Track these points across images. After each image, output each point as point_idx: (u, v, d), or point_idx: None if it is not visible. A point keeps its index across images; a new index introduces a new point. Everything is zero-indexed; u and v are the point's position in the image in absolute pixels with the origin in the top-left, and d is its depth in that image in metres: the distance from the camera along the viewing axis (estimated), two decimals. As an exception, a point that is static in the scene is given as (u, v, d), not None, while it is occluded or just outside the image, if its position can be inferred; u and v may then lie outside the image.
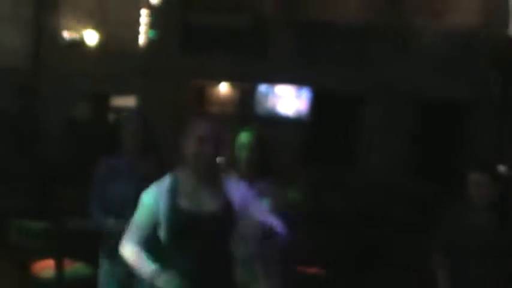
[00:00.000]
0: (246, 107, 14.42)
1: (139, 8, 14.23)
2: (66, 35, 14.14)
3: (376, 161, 13.60)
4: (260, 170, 4.24)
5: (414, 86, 13.59)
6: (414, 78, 13.59)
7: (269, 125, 13.89)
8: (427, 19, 13.99)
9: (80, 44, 14.05)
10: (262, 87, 14.30)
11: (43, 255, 5.86)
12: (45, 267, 5.76)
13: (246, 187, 3.44)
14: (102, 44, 14.01)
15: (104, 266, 4.49)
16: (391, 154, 13.55)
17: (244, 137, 4.26)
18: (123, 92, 14.57)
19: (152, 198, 3.24)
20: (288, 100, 14.26)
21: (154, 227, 3.23)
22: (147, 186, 3.53)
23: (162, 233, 3.21)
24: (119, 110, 14.78)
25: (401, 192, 11.53)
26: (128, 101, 14.64)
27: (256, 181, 4.19)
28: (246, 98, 14.44)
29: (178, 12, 14.19)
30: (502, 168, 13.01)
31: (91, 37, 14.02)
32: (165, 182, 3.27)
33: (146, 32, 14.23)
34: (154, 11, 14.19)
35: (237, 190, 3.32)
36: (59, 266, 5.67)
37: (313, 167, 12.91)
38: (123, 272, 4.35)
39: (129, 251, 3.29)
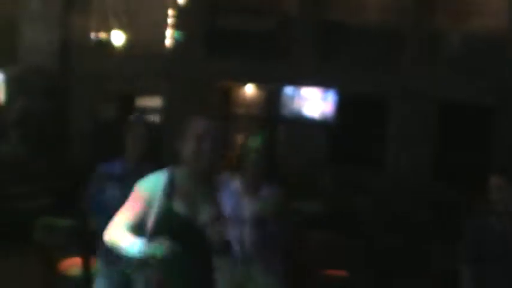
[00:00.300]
0: (271, 109, 14.44)
1: (166, 10, 14.31)
2: (93, 35, 14.25)
3: (402, 164, 13.52)
4: (266, 175, 4.26)
5: (440, 88, 13.50)
6: (440, 81, 13.50)
7: (295, 127, 14.04)
8: (452, 21, 13.91)
9: (106, 44, 14.15)
10: (288, 89, 14.30)
11: (70, 253, 5.92)
12: (72, 265, 5.82)
13: (236, 190, 3.44)
14: (128, 45, 14.10)
15: (100, 267, 4.52)
16: (416, 157, 13.47)
17: (253, 141, 4.26)
18: (149, 93, 14.65)
19: (149, 190, 3.22)
20: (314, 102, 14.24)
21: (143, 217, 3.21)
22: None
23: (148, 225, 3.19)
24: (145, 111, 14.86)
25: (427, 196, 11.46)
26: (153, 102, 14.72)
27: (262, 185, 4.22)
28: (272, 100, 14.44)
29: (204, 14, 14.24)
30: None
31: (118, 38, 14.12)
32: (163, 177, 3.24)
33: (172, 34, 14.30)
34: (180, 12, 14.25)
35: (229, 195, 3.31)
36: (86, 264, 5.72)
37: (338, 169, 12.89)
38: (119, 273, 4.39)
39: (115, 233, 3.24)
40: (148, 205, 3.19)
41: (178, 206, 3.16)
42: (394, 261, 7.67)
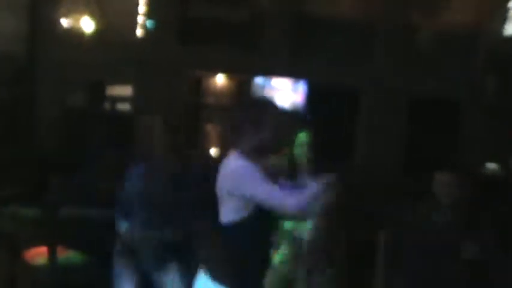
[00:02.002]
0: (242, 100, 14.42)
1: (137, -3, 14.21)
2: (63, 22, 14.08)
3: (371, 156, 13.63)
4: (317, 167, 4.43)
5: (409, 83, 13.63)
6: (409, 76, 13.63)
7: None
8: (423, 16, 14.03)
9: (76, 31, 13.99)
10: (259, 80, 14.31)
11: (36, 243, 5.88)
12: (38, 255, 5.78)
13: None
14: (99, 33, 13.96)
15: (119, 266, 4.49)
16: (385, 150, 13.58)
17: (302, 137, 4.50)
18: (120, 81, 14.55)
19: None
20: (284, 93, 14.26)
21: None
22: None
23: None
24: (115, 99, 14.76)
25: (394, 188, 11.55)
26: (124, 91, 14.63)
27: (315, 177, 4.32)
28: (242, 90, 14.44)
29: (177, 2, 14.16)
30: (492, 166, 13.10)
31: (88, 25, 13.97)
32: None
33: (143, 22, 14.19)
34: (152, 1, 14.15)
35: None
36: (52, 254, 5.69)
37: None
38: (139, 272, 4.38)
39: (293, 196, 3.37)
40: None
41: None
42: (365, 254, 7.73)
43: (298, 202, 3.19)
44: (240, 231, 3.27)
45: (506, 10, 13.84)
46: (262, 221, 3.30)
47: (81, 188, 8.04)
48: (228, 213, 3.31)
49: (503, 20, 13.83)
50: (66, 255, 5.83)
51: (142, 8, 14.18)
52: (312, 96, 14.10)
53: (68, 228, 6.03)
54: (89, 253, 5.91)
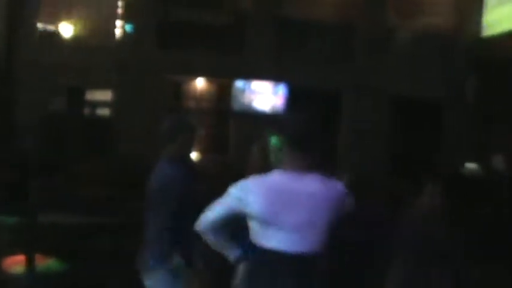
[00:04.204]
0: (222, 103, 14.39)
1: (116, 1, 14.11)
2: (41, 25, 13.96)
3: (353, 158, 13.63)
4: None
5: (389, 84, 13.67)
6: (390, 77, 13.67)
7: (245, 121, 14.01)
8: (403, 19, 14.11)
9: (55, 35, 13.88)
10: (239, 83, 14.27)
11: (14, 251, 5.79)
12: (16, 263, 5.69)
13: None
14: (77, 37, 13.86)
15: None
16: (367, 152, 13.60)
17: (275, 140, 4.32)
18: (99, 85, 14.43)
19: None
20: (265, 96, 14.24)
21: None
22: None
23: None
24: (95, 104, 14.65)
25: (378, 190, 11.56)
26: (103, 95, 14.53)
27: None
28: (223, 93, 14.40)
29: (156, 6, 14.08)
30: (474, 166, 13.16)
31: (66, 29, 13.87)
32: None
33: (123, 26, 14.11)
34: (131, 4, 14.07)
35: None
36: (30, 262, 5.60)
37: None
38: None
39: None
40: None
41: None
42: (347, 256, 7.70)
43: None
44: None
45: (483, 11, 13.95)
46: None
47: (60, 193, 7.95)
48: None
49: (482, 21, 13.93)
50: (46, 263, 5.74)
51: (121, 11, 14.09)
52: (292, 98, 14.10)
53: (47, 235, 5.94)
54: (69, 261, 5.82)
